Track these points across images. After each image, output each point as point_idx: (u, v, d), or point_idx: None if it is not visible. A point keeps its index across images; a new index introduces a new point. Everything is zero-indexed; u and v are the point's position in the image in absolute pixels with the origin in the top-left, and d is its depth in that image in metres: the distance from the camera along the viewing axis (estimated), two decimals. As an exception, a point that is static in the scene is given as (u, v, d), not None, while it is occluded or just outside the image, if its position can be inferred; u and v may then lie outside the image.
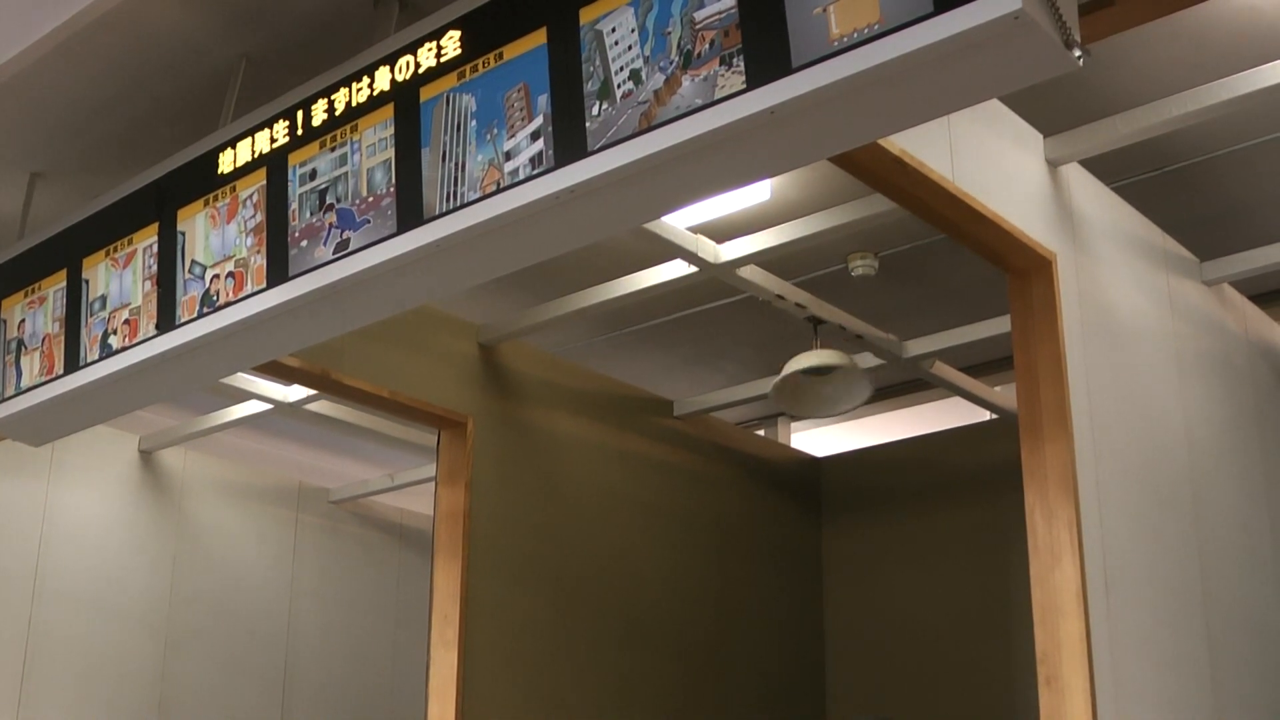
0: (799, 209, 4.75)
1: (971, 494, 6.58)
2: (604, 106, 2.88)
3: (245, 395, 5.93)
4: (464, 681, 5.07)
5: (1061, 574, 3.79)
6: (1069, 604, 3.75)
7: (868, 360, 5.61)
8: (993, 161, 3.93)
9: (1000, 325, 5.27)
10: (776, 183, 4.75)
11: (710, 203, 4.59)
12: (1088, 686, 3.66)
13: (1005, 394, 5.98)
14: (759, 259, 4.77)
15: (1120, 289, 4.45)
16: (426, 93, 3.25)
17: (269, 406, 5.98)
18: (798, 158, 3.06)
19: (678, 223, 4.61)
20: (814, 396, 5.44)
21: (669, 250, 4.66)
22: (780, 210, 4.82)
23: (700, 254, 4.65)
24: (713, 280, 4.90)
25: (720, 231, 4.76)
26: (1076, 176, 4.36)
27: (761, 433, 7.48)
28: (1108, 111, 4.18)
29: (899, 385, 6.88)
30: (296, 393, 5.84)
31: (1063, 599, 3.77)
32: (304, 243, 3.46)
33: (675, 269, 4.86)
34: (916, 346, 5.53)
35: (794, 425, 7.53)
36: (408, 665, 7.13)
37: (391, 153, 3.30)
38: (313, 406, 6.02)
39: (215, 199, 3.73)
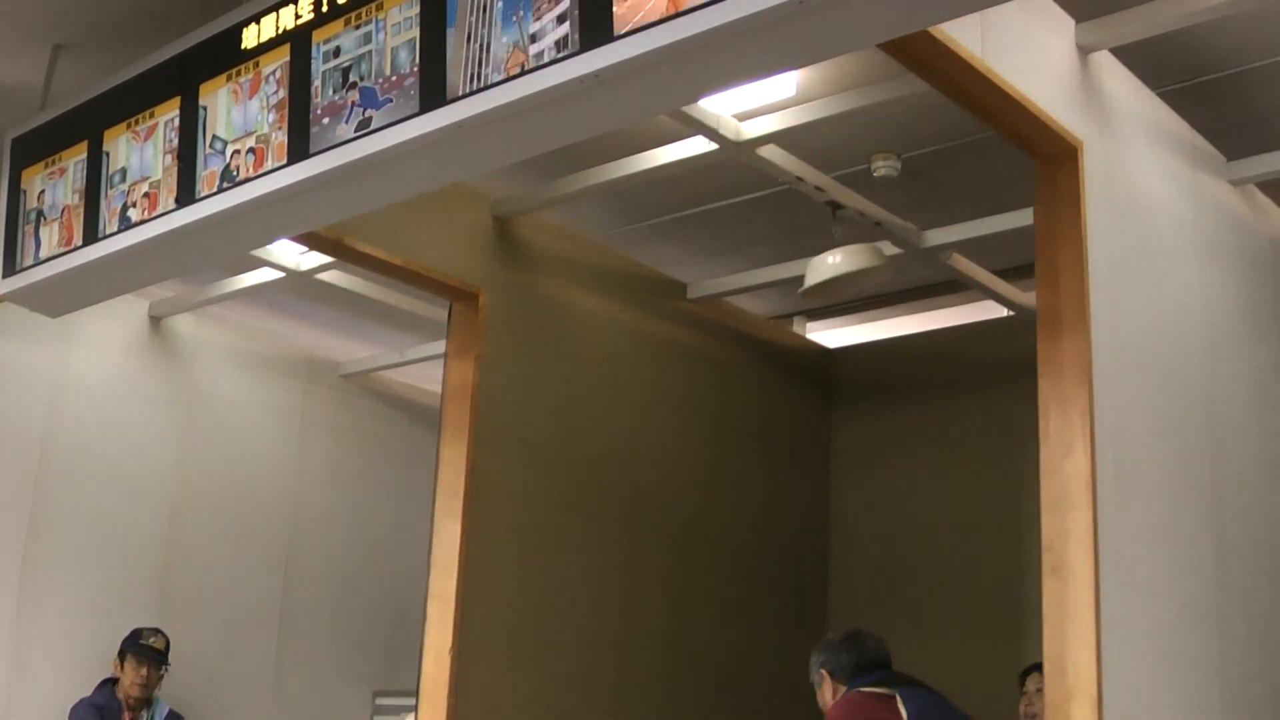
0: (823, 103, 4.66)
1: (984, 389, 6.56)
2: (632, -10, 2.84)
3: (258, 261, 5.88)
4: (466, 554, 5.08)
5: (1073, 463, 3.75)
6: (1079, 493, 3.72)
7: (887, 249, 5.55)
8: (1024, 44, 3.84)
9: (1022, 218, 5.20)
10: (802, 77, 4.65)
11: (733, 95, 4.51)
12: (1093, 575, 3.64)
13: (1024, 293, 5.91)
14: (780, 139, 4.70)
15: (1146, 180, 4.37)
16: (453, -28, 3.23)
17: (280, 275, 5.93)
18: (826, 49, 3.05)
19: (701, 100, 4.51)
20: (842, 282, 5.38)
21: (690, 127, 4.57)
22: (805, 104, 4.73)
23: (721, 130, 4.57)
24: (730, 174, 4.81)
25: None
26: (1108, 65, 4.28)
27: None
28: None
29: (919, 289, 6.81)
30: (310, 260, 5.79)
31: (1073, 488, 3.73)
32: (326, 120, 3.48)
33: (695, 145, 4.78)
34: (935, 236, 5.46)
35: (809, 325, 7.47)
36: (413, 540, 7.14)
37: (416, 32, 3.29)
38: (324, 276, 5.98)
39: (238, 74, 3.75)
